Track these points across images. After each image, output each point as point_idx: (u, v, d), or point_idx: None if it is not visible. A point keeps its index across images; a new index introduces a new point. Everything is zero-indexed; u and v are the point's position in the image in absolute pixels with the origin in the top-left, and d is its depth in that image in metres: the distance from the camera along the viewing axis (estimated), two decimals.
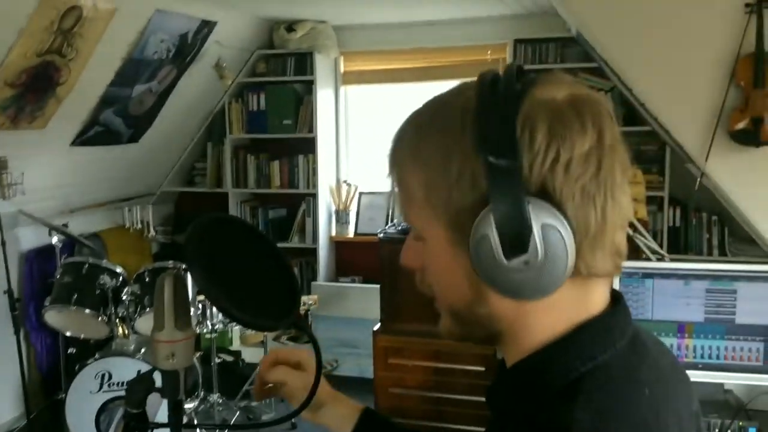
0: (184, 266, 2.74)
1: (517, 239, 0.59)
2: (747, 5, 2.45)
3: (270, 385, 1.12)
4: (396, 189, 0.69)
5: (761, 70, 2.44)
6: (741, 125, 2.62)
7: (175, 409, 1.04)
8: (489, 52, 4.68)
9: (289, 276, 1.07)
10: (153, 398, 1.08)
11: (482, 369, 3.17)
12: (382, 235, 3.46)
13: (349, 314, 4.52)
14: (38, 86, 3.38)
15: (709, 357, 1.94)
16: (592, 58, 4.13)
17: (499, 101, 0.61)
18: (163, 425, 1.04)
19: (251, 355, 4.54)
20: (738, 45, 2.50)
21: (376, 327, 3.38)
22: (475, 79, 0.66)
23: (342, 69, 5.05)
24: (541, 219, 0.59)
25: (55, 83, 3.46)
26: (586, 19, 2.96)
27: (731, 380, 1.97)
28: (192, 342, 1.06)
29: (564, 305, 0.64)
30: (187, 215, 5.14)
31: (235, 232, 1.05)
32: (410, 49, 4.85)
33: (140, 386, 1.06)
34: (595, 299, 0.66)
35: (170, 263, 3.60)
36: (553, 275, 0.60)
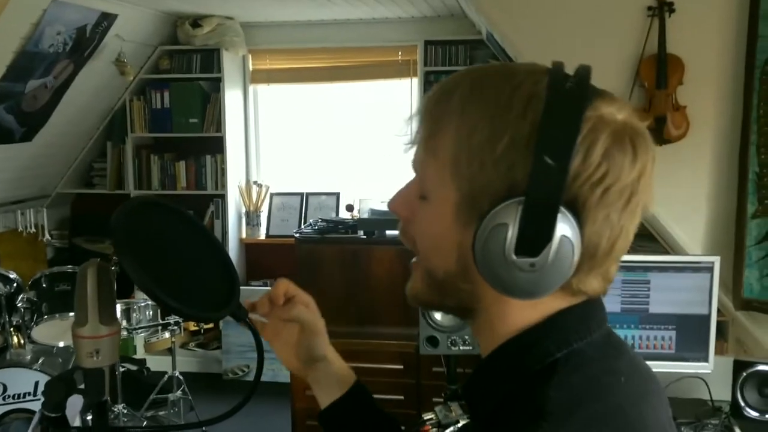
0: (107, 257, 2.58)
1: (535, 240, 0.59)
2: (649, 8, 2.59)
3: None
4: (421, 135, 0.66)
5: (663, 72, 2.57)
6: (646, 124, 2.75)
7: (100, 411, 0.96)
8: (400, 53, 4.72)
9: (224, 263, 1.01)
10: (73, 400, 1.00)
11: (400, 367, 3.17)
12: (298, 235, 3.41)
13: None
14: None
15: None
16: (500, 61, 4.24)
17: (571, 103, 0.59)
18: (86, 429, 0.96)
19: (157, 363, 4.34)
20: (642, 47, 2.63)
21: None
22: (538, 64, 0.65)
23: (250, 67, 4.94)
24: (562, 229, 0.59)
25: None
26: (496, 18, 3.03)
27: None
28: (118, 338, 0.98)
29: (543, 305, 0.65)
30: (85, 218, 4.86)
31: (164, 217, 0.98)
32: (320, 48, 4.81)
33: (59, 387, 0.97)
34: (573, 302, 0.67)
35: (69, 268, 3.39)
36: (548, 284, 0.61)
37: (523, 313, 0.66)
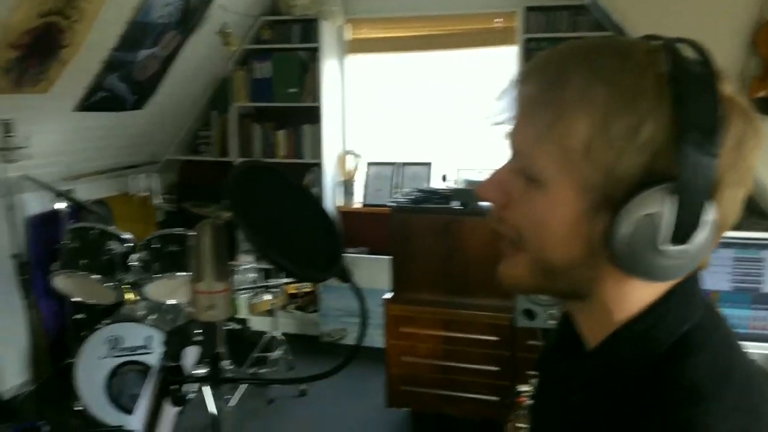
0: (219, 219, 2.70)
1: (689, 228, 0.58)
2: None
3: None
4: (540, 121, 0.63)
5: None
6: (761, 94, 2.58)
7: (214, 362, 1.02)
8: (499, 20, 4.61)
9: (329, 226, 1.04)
10: (189, 351, 1.06)
11: (495, 339, 3.16)
12: (393, 204, 3.44)
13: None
14: (41, 49, 3.31)
15: (735, 326, 1.92)
16: (604, 28, 4.07)
17: (706, 86, 0.58)
18: (200, 378, 1.02)
19: (258, 323, 4.53)
20: (757, 13, 2.46)
21: (388, 296, 3.37)
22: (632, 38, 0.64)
23: (348, 36, 4.97)
24: (710, 214, 0.59)
25: (59, 46, 3.39)
26: None
27: (756, 350, 1.96)
28: (230, 295, 1.03)
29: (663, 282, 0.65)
30: (192, 183, 5.09)
31: (273, 180, 1.01)
32: (417, 17, 4.78)
33: (177, 338, 1.03)
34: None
35: (178, 230, 3.56)
36: (689, 267, 0.62)
37: (643, 292, 0.65)
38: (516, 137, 0.66)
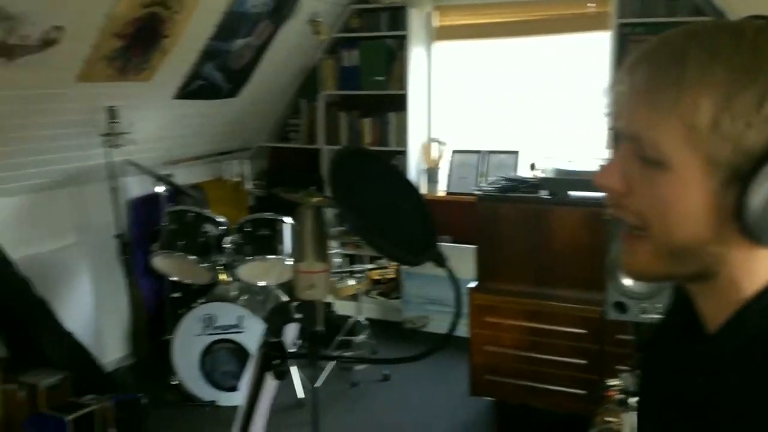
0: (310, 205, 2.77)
1: None
2: None
3: None
4: (663, 103, 0.64)
5: None
6: None
7: (313, 339, 1.06)
8: (592, 4, 4.48)
9: (425, 211, 1.05)
10: (290, 328, 1.10)
11: (583, 331, 3.10)
12: (479, 192, 3.42)
13: (439, 273, 4.50)
14: (144, 38, 3.46)
15: None
16: (704, 12, 3.89)
17: None
18: (301, 355, 1.06)
19: (342, 307, 4.62)
20: None
21: (472, 285, 3.37)
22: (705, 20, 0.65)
23: (435, 24, 4.96)
24: None
25: (161, 35, 3.54)
26: None
27: None
28: (329, 275, 1.07)
29: None
30: (282, 170, 5.23)
31: (373, 165, 1.03)
32: (506, 2, 4.71)
33: (278, 315, 1.08)
34: None
35: (268, 215, 3.67)
36: None
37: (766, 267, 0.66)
38: (632, 121, 0.66)
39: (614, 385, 2.26)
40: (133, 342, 4.18)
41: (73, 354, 3.46)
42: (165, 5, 3.39)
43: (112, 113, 3.52)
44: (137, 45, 3.45)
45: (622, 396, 2.20)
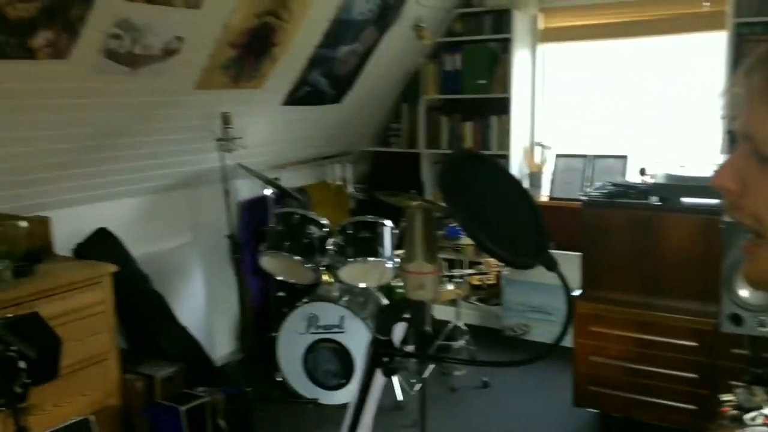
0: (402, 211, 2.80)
1: None
2: None
3: None
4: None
5: None
6: None
7: (422, 339, 1.07)
8: (707, 3, 4.27)
9: (536, 214, 1.05)
10: (399, 327, 1.12)
11: (694, 344, 2.96)
12: (585, 198, 3.33)
13: (541, 279, 4.43)
14: (256, 47, 3.62)
15: None
16: None
17: None
18: (410, 354, 1.08)
19: (441, 312, 4.62)
20: None
21: (577, 293, 3.29)
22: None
23: (540, 26, 4.88)
24: None
25: (271, 44, 3.69)
26: None
27: None
28: (439, 277, 1.08)
29: None
30: (382, 173, 5.31)
31: (484, 168, 1.04)
32: (616, 3, 4.57)
33: (388, 314, 1.10)
34: None
35: (369, 217, 3.73)
36: None
37: None
38: (748, 122, 0.65)
39: (728, 401, 2.15)
40: (241, 338, 4.36)
41: (186, 347, 3.65)
42: (277, 15, 3.53)
43: (225, 119, 3.69)
44: (250, 54, 3.60)
45: (736, 412, 2.09)
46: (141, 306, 3.49)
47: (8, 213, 3.01)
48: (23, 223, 2.98)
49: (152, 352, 3.48)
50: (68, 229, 3.30)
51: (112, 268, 3.02)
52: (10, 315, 1.64)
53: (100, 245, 3.41)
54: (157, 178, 3.79)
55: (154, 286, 3.63)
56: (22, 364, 1.54)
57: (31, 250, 2.95)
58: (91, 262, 3.11)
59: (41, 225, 3.14)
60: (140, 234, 3.69)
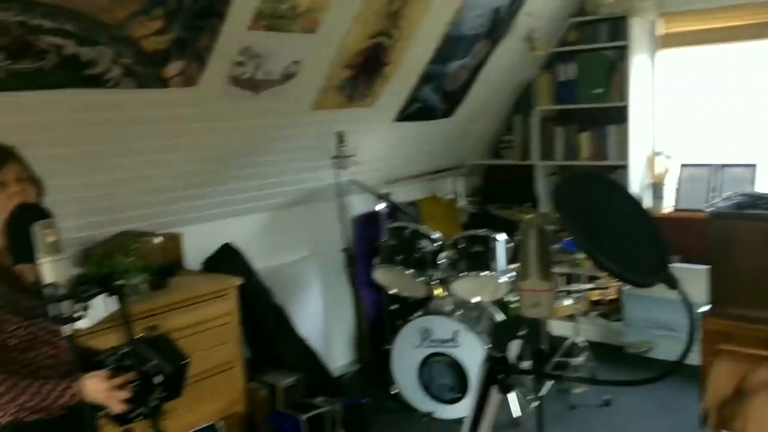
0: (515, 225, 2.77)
1: None
2: None
3: None
4: None
5: None
6: None
7: (538, 357, 1.07)
8: None
9: (655, 232, 1.03)
10: (514, 344, 1.13)
11: None
12: (712, 209, 3.16)
13: (665, 294, 4.21)
14: (369, 67, 3.71)
15: None
16: None
17: None
18: (525, 371, 1.08)
19: (559, 327, 4.51)
20: None
21: (704, 309, 3.11)
22: None
23: (660, 31, 4.69)
24: None
25: (383, 63, 3.77)
26: None
27: None
28: (554, 294, 1.08)
29: None
30: (494, 187, 5.27)
31: (601, 187, 1.03)
32: (739, 5, 4.31)
33: (503, 331, 1.11)
34: None
35: (482, 231, 3.72)
36: None
37: None
38: None
39: None
40: (357, 349, 4.46)
41: (305, 358, 3.77)
42: (388, 35, 3.61)
43: (340, 138, 3.81)
44: (363, 73, 3.71)
45: None
46: (263, 317, 3.65)
47: (144, 230, 3.25)
48: (158, 240, 3.21)
49: (273, 362, 3.62)
50: (197, 244, 3.52)
51: (238, 281, 3.19)
52: (144, 334, 1.77)
53: (226, 259, 3.60)
54: (277, 196, 3.97)
55: (275, 299, 3.79)
56: (158, 379, 1.66)
57: (164, 265, 3.17)
58: (219, 276, 3.29)
59: (173, 241, 3.38)
60: (262, 248, 3.87)
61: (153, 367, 1.68)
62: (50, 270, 1.49)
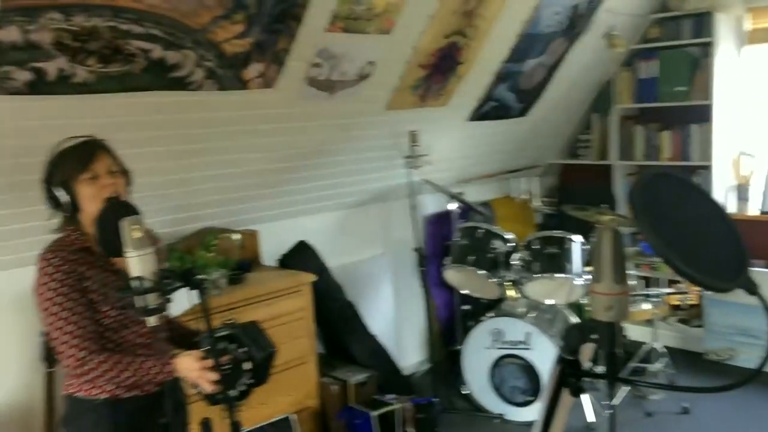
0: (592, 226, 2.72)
1: None
2: None
3: None
4: None
5: None
6: None
7: (611, 361, 1.06)
8: None
9: (735, 235, 1.00)
10: (587, 347, 1.11)
11: None
12: None
13: (749, 301, 4.03)
14: (443, 66, 3.71)
15: None
16: None
17: None
18: (598, 375, 1.07)
19: (636, 332, 4.39)
20: None
21: None
22: None
23: (747, 27, 4.49)
24: None
25: (457, 63, 3.76)
26: None
27: None
28: (628, 297, 1.06)
29: None
30: (571, 187, 5.17)
31: (679, 188, 1.01)
32: None
33: (576, 334, 1.10)
34: None
35: (557, 232, 3.66)
36: None
37: None
38: None
39: None
40: (428, 348, 4.47)
41: (376, 355, 3.81)
42: (463, 34, 3.60)
43: (413, 137, 3.82)
44: (437, 73, 3.71)
45: None
46: (335, 314, 3.72)
47: (224, 227, 3.36)
48: (236, 236, 3.32)
49: (345, 358, 3.68)
50: (273, 241, 3.61)
51: (312, 277, 3.25)
52: (236, 321, 1.83)
53: (301, 256, 3.68)
54: (351, 194, 4.02)
55: (347, 296, 3.84)
56: (247, 366, 1.73)
57: (242, 261, 3.27)
58: (293, 272, 3.37)
59: (251, 238, 3.48)
60: (335, 246, 3.94)
61: (244, 353, 1.75)
62: (136, 264, 1.57)
